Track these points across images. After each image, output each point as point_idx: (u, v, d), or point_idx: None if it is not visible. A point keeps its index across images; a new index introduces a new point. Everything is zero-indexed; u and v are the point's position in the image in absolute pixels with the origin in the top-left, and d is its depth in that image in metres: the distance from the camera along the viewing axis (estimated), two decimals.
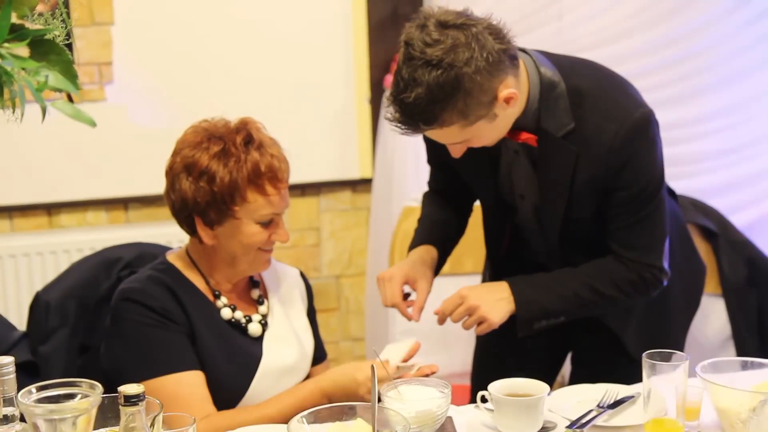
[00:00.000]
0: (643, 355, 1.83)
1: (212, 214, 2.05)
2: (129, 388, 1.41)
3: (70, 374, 2.11)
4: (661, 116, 3.89)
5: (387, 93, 3.56)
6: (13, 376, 1.45)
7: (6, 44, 1.23)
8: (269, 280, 2.25)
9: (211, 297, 2.13)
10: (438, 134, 2.03)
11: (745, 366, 1.93)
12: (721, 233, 3.22)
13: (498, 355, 2.47)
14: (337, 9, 3.56)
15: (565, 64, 2.13)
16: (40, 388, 1.45)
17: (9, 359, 1.46)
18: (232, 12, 3.45)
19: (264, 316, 2.18)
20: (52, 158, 3.35)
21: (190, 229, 2.11)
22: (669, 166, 3.91)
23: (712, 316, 3.20)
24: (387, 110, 2.01)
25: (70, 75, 1.29)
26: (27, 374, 2.03)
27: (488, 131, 2.04)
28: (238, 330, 2.13)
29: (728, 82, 3.50)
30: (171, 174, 2.08)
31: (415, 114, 1.95)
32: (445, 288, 2.56)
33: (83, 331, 2.23)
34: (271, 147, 2.09)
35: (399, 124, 1.99)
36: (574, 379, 2.47)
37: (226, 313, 2.12)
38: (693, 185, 3.51)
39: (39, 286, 2.33)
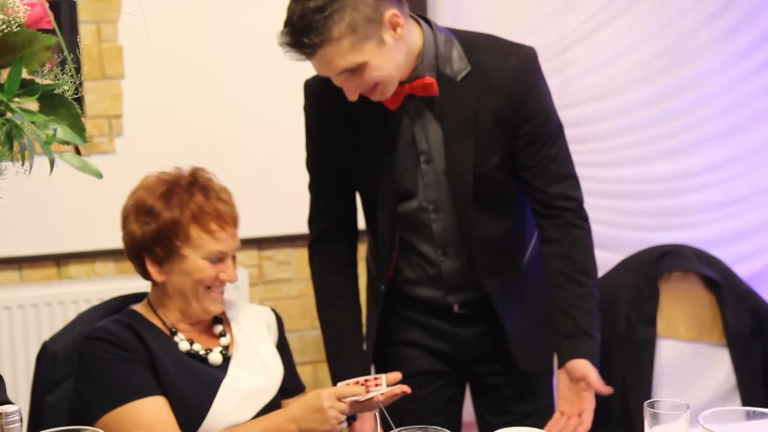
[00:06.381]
0: (645, 404, 1.82)
1: (158, 250, 2.14)
2: None
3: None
4: (664, 167, 3.92)
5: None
6: (18, 424, 1.47)
7: (16, 99, 1.27)
8: (233, 315, 2.31)
9: (169, 334, 2.19)
10: (330, 54, 2.09)
11: (748, 416, 1.93)
12: (724, 283, 3.21)
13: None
14: None
15: (459, 30, 2.31)
16: None
17: (15, 408, 1.47)
18: (242, 65, 3.49)
19: (225, 348, 2.24)
20: (61, 210, 3.38)
21: (142, 270, 2.19)
22: (672, 216, 3.93)
23: (716, 366, 3.19)
24: (280, 37, 2.11)
25: (78, 128, 1.32)
26: None
27: (380, 59, 2.12)
28: (198, 360, 2.19)
29: (730, 133, 3.52)
30: (123, 216, 2.20)
31: (305, 25, 2.05)
32: None
33: None
34: (220, 192, 2.19)
35: (290, 40, 2.09)
36: (478, 408, 2.52)
37: (184, 346, 2.18)
38: (696, 235, 3.52)
39: (47, 337, 2.34)
